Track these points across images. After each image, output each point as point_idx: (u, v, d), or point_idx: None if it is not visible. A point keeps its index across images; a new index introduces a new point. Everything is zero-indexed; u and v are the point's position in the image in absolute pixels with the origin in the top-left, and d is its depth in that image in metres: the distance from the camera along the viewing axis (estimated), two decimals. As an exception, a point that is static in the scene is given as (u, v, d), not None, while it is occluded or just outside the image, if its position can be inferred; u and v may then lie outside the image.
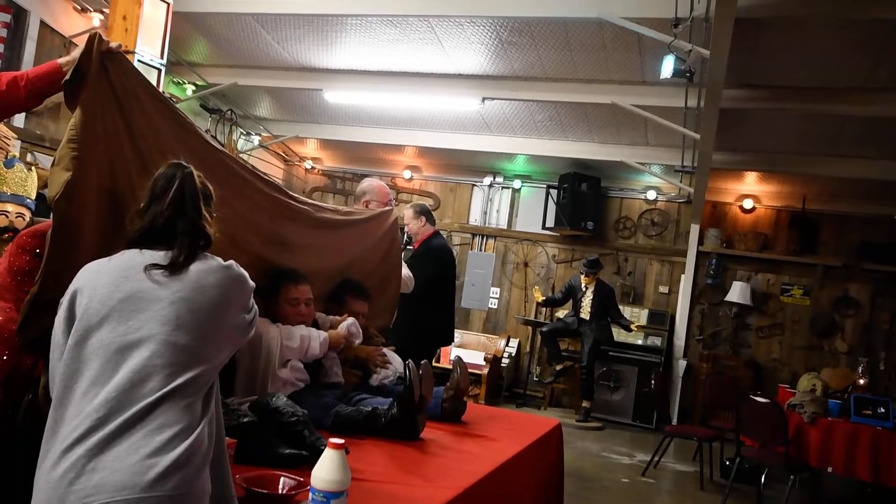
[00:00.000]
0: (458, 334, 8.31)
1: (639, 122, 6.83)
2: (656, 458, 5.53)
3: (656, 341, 8.01)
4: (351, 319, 2.84)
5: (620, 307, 8.00)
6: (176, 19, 5.29)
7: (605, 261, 8.54)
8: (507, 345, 8.37)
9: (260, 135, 8.84)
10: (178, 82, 7.44)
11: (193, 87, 7.48)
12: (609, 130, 7.30)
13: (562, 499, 3.17)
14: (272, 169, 9.69)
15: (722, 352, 8.02)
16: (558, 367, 7.47)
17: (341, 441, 1.41)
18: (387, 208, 3.52)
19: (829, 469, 4.56)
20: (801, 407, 4.75)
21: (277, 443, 1.88)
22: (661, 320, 8.18)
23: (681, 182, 7.76)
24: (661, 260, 8.51)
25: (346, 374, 2.88)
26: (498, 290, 9.00)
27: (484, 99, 6.65)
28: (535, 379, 8.37)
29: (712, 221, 8.31)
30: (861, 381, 5.47)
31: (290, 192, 2.79)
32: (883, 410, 4.63)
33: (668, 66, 4.68)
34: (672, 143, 7.11)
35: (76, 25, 6.20)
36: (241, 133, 8.72)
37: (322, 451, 1.93)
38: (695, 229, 8.19)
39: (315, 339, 2.53)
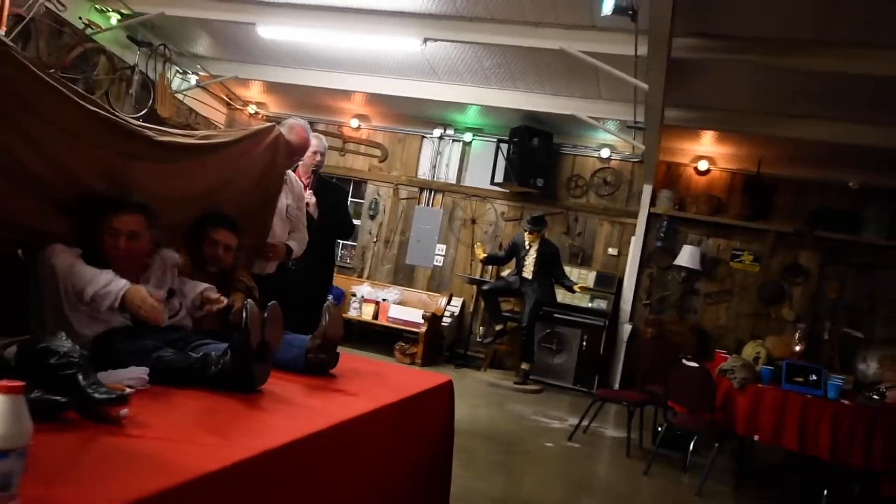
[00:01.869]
0: (399, 291, 8.01)
1: (590, 72, 6.47)
2: (585, 423, 5.31)
3: (602, 304, 7.78)
4: (203, 286, 2.48)
5: (568, 268, 7.76)
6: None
7: (554, 220, 8.26)
8: (448, 303, 8.08)
9: (198, 74, 8.30)
10: (102, 9, 6.86)
11: (119, 17, 6.91)
12: (560, 81, 6.92)
13: (449, 462, 2.89)
14: (214, 113, 9.18)
15: (668, 317, 7.82)
16: (498, 328, 7.21)
17: (14, 384, 1.06)
18: (267, 124, 3.12)
19: (756, 437, 4.36)
20: (732, 372, 4.53)
21: (33, 388, 1.52)
22: (608, 283, 7.94)
23: (634, 139, 7.44)
24: (612, 221, 8.23)
25: (207, 319, 2.54)
26: (444, 247, 8.67)
27: (426, 40, 6.21)
28: (477, 340, 8.10)
29: (666, 183, 8.03)
30: (797, 348, 5.27)
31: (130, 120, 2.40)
32: (815, 378, 4.42)
33: (608, 1, 4.30)
34: (626, 98, 6.76)
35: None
36: (178, 71, 8.17)
37: (96, 399, 1.60)
38: (647, 190, 7.92)
39: (103, 296, 2.07)
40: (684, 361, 4.61)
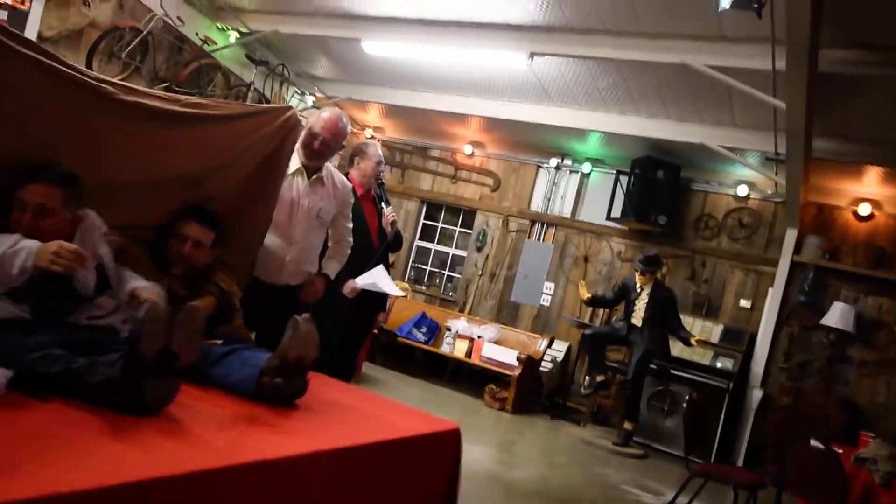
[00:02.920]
0: (497, 329, 7.41)
1: (720, 93, 5.64)
2: (683, 502, 4.40)
3: (728, 364, 6.70)
4: (138, 283, 2.08)
5: (690, 319, 6.84)
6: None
7: (679, 264, 7.33)
8: (549, 347, 7.34)
9: (315, 95, 8.33)
10: (222, 28, 7.03)
11: (237, 35, 7.05)
12: (687, 103, 6.11)
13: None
14: (332, 135, 9.19)
15: (811, 385, 6.58)
16: (599, 379, 6.38)
17: None
18: (282, 105, 2.74)
19: (904, 553, 3.30)
20: (874, 463, 3.50)
21: None
22: (737, 339, 6.85)
23: (776, 175, 6.42)
24: (746, 269, 7.15)
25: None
26: (552, 285, 7.98)
27: (532, 54, 5.70)
28: (581, 391, 7.28)
29: (815, 228, 6.86)
30: (975, 442, 4.05)
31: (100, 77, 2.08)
32: None
33: (725, -8, 3.57)
34: (765, 125, 5.84)
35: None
36: (296, 92, 8.25)
37: None
38: (791, 234, 6.79)
39: (12, 255, 1.71)
40: (811, 441, 3.64)
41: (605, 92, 6.35)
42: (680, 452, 6.45)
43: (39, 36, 5.51)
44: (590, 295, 6.46)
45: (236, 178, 2.54)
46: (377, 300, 3.93)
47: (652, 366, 6.47)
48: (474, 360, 7.21)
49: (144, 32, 6.08)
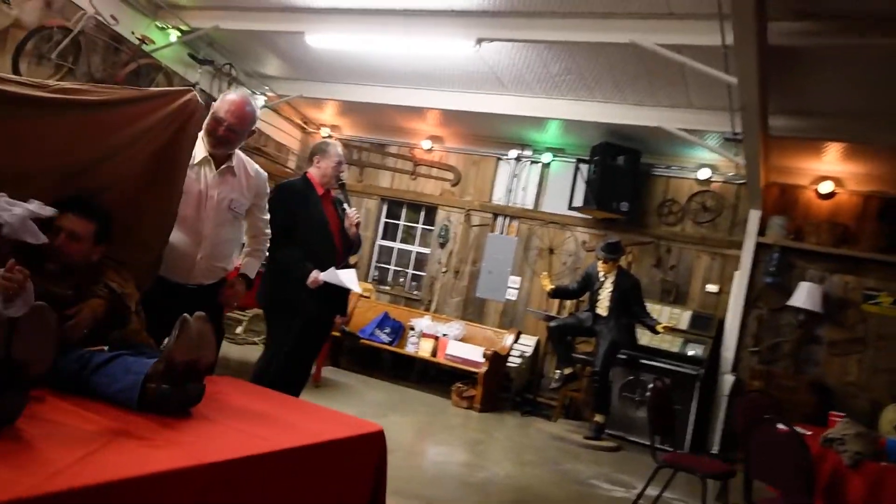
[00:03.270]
0: (462, 326, 7.22)
1: (675, 74, 5.50)
2: (652, 493, 4.23)
3: (698, 350, 6.57)
4: None
5: (658, 307, 6.72)
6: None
7: (644, 251, 7.20)
8: (516, 342, 7.16)
9: (265, 94, 8.08)
10: (162, 27, 6.76)
11: (178, 33, 6.78)
12: (642, 86, 5.97)
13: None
14: (288, 138, 8.96)
15: (781, 368, 6.47)
16: (567, 372, 6.21)
17: None
18: (181, 87, 2.51)
19: (875, 537, 3.15)
20: (841, 443, 3.35)
21: None
22: (706, 325, 6.72)
23: (737, 157, 6.29)
24: (712, 252, 7.03)
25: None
26: (518, 279, 7.80)
27: (479, 40, 5.51)
28: (550, 385, 7.10)
29: (778, 208, 6.75)
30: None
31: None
32: (966, 459, 3.16)
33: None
34: (721, 105, 5.69)
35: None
36: (248, 93, 7.97)
37: None
38: (754, 216, 6.69)
39: None
40: (777, 425, 3.48)
41: (558, 78, 6.18)
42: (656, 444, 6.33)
43: (-42, 39, 5.22)
44: (553, 286, 6.28)
45: (129, 169, 2.30)
46: (338, 303, 3.69)
47: (621, 356, 6.32)
48: (440, 358, 7.00)
49: (75, 32, 5.80)
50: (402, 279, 8.57)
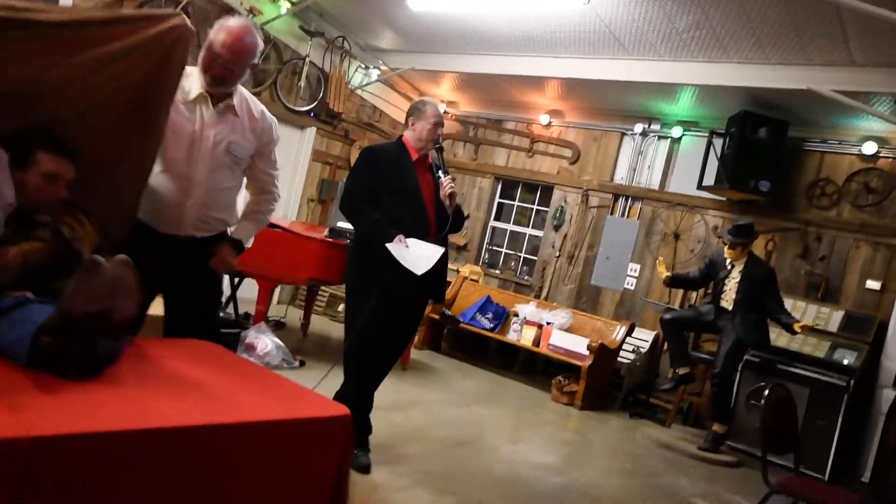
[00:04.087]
0: (568, 314, 6.60)
1: (830, 22, 4.56)
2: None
3: (850, 357, 5.50)
4: None
5: (801, 304, 5.79)
6: None
7: (788, 238, 6.20)
8: (628, 335, 6.42)
9: (379, 68, 7.88)
10: (275, 0, 6.72)
11: (289, 4, 6.70)
12: (787, 40, 5.03)
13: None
14: (403, 114, 8.72)
15: (960, 387, 5.26)
16: (681, 372, 5.44)
17: None
18: (164, 11, 2.20)
19: None
20: None
21: None
22: (862, 328, 5.62)
23: (911, 125, 5.17)
24: (875, 242, 5.88)
25: None
26: (638, 266, 7.03)
27: (588, -9, 4.90)
28: (661, 385, 6.31)
29: (966, 190, 5.50)
30: None
31: None
32: None
33: None
34: (892, 60, 4.69)
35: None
36: (360, 66, 7.83)
37: None
38: (932, 199, 5.49)
39: None
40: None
41: (685, 35, 5.38)
42: (787, 462, 5.41)
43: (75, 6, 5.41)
44: (670, 273, 5.52)
45: (94, 100, 2.03)
46: (431, 284, 3.25)
47: (751, 358, 5.45)
48: (542, 348, 6.44)
49: (184, 2, 5.86)
50: (513, 263, 8.07)
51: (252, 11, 6.44)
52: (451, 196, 3.15)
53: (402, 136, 3.28)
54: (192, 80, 2.32)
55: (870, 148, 5.89)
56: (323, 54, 7.40)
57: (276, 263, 4.95)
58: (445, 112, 8.58)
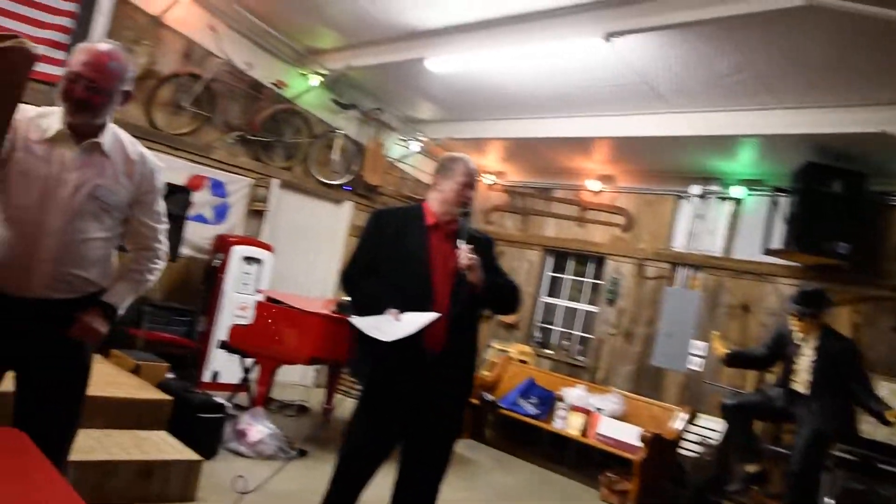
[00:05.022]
0: (619, 399, 5.84)
1: (892, 51, 3.88)
2: None
3: (968, 454, 4.44)
4: None
5: (886, 383, 4.74)
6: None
7: (879, 308, 5.27)
8: (690, 423, 5.54)
9: (418, 139, 7.64)
10: (304, 74, 6.66)
11: (318, 77, 6.62)
12: (843, 79, 4.35)
13: None
14: (450, 186, 8.41)
15: None
16: (751, 470, 4.54)
17: None
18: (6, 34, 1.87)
19: None
20: None
21: None
22: (982, 417, 4.55)
23: None
24: None
25: None
26: (704, 344, 6.18)
27: (609, 35, 4.44)
28: (730, 486, 5.34)
29: None
30: None
31: None
32: None
33: None
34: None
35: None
36: (399, 139, 7.63)
37: None
38: None
39: None
40: None
41: (728, 79, 4.80)
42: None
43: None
44: (728, 350, 4.72)
45: None
46: (467, 386, 2.74)
47: (840, 454, 4.48)
48: (590, 438, 5.65)
49: (206, 79, 5.85)
50: (566, 342, 7.37)
51: (278, 85, 6.39)
52: (470, 269, 2.55)
53: (423, 200, 2.78)
54: (52, 119, 2.00)
55: (972, 199, 4.97)
56: (359, 127, 7.26)
57: (276, 341, 4.57)
58: (494, 183, 8.19)
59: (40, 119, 1.98)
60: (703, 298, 6.30)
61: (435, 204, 2.69)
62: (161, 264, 2.22)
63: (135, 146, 2.14)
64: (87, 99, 1.96)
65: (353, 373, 2.66)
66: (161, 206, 2.21)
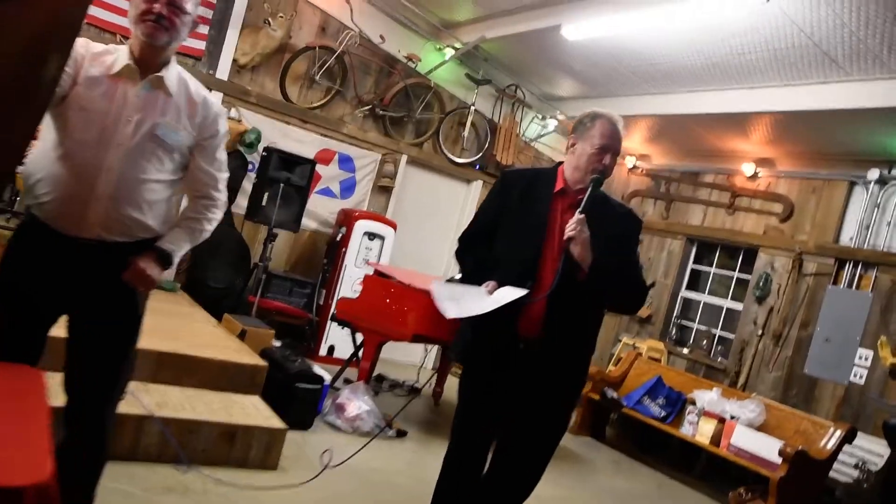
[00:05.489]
0: (759, 406, 5.18)
1: None
2: None
3: None
4: None
5: None
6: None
7: None
8: (846, 442, 4.76)
9: (556, 118, 7.27)
10: (439, 48, 6.53)
11: (452, 51, 6.45)
12: None
13: None
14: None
15: None
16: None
17: None
18: None
19: None
20: None
21: None
22: None
23: None
24: None
25: None
26: (871, 353, 5.33)
27: (767, -12, 3.86)
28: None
29: None
30: None
31: None
32: None
33: None
34: None
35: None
36: (535, 116, 7.31)
37: None
38: None
39: None
40: None
41: (917, 37, 4.01)
42: None
43: (235, 63, 5.66)
44: (897, 361, 3.98)
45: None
46: (572, 381, 2.40)
47: None
48: (722, 448, 5.05)
49: (338, 52, 5.87)
50: (705, 341, 6.69)
51: (411, 59, 6.30)
52: (570, 240, 2.19)
53: (560, 162, 2.43)
54: (119, 55, 1.93)
55: None
56: (493, 104, 7.02)
57: (381, 316, 4.47)
58: (635, 167, 7.63)
59: (105, 55, 1.93)
60: (874, 301, 5.42)
61: (568, 168, 2.34)
62: (219, 214, 2.12)
63: (198, 88, 2.04)
64: (168, 16, 1.86)
65: (452, 356, 2.40)
66: (222, 154, 2.11)
